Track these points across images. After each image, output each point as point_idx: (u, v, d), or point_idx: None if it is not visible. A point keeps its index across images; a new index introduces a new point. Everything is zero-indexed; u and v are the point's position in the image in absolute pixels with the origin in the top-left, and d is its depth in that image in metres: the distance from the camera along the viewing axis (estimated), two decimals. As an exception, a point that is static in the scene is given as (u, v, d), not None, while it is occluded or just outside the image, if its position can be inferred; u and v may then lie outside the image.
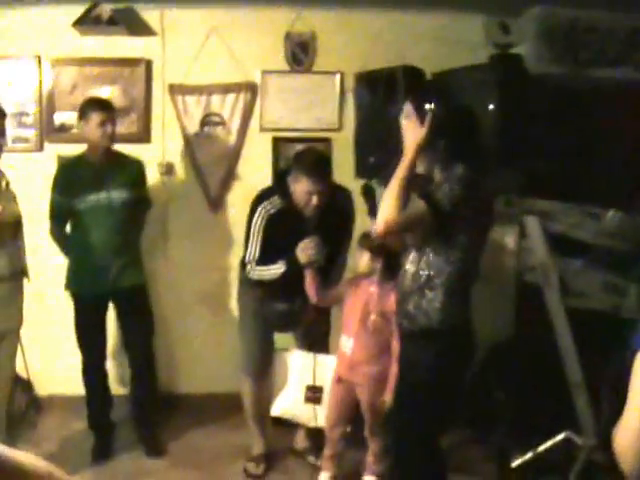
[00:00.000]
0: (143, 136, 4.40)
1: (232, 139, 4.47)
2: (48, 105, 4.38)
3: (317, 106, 4.48)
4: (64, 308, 4.37)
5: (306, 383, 3.47)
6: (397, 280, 2.79)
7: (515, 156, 3.62)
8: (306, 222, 3.33)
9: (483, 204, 2.66)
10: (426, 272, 2.59)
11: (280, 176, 3.53)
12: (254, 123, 4.49)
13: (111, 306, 3.96)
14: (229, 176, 4.48)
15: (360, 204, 3.78)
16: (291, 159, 3.64)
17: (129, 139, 4.29)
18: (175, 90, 4.40)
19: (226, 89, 4.42)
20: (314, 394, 3.46)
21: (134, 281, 3.89)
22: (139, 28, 4.33)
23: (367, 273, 3.26)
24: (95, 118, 3.68)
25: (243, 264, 3.48)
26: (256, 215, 3.38)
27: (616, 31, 4.20)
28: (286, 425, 3.78)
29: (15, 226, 3.48)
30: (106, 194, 3.73)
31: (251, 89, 4.44)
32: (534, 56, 4.17)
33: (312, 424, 3.56)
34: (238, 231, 3.91)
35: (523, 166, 3.71)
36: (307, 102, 4.47)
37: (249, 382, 3.66)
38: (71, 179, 3.80)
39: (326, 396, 3.43)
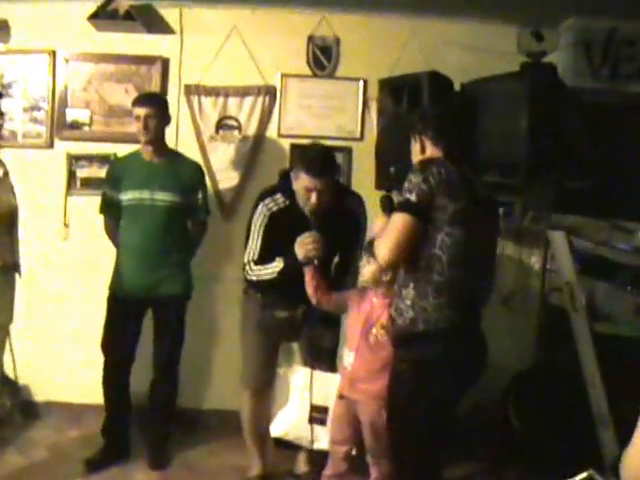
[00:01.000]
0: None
1: (248, 144, 4.30)
2: (60, 101, 4.26)
3: (338, 113, 4.31)
4: (66, 313, 4.26)
5: (310, 402, 3.25)
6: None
7: (546, 171, 3.43)
8: (310, 222, 3.12)
9: (457, 193, 2.43)
10: (402, 270, 2.51)
11: (284, 173, 3.34)
12: (272, 128, 4.32)
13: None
14: (244, 183, 4.31)
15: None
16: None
17: (142, 139, 4.14)
18: (191, 90, 4.26)
19: (244, 92, 4.27)
20: (318, 414, 3.23)
21: (171, 290, 3.71)
22: (157, 25, 4.22)
23: (373, 284, 3.04)
24: (134, 113, 3.63)
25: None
26: (257, 213, 3.20)
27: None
28: (288, 447, 3.55)
29: (9, 217, 3.34)
30: (149, 194, 3.61)
31: (270, 93, 4.28)
32: (570, 69, 4.00)
33: (315, 446, 3.32)
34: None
35: (554, 182, 3.51)
36: (328, 109, 4.31)
37: (248, 395, 3.45)
38: (120, 173, 3.71)
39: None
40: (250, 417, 3.49)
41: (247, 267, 3.22)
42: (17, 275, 3.46)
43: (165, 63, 4.26)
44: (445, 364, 2.40)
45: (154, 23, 4.21)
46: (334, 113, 4.31)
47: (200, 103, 4.27)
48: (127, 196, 3.63)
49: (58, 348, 4.32)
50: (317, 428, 3.25)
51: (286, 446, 3.53)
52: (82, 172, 4.26)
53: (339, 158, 4.22)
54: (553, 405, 3.62)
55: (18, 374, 4.16)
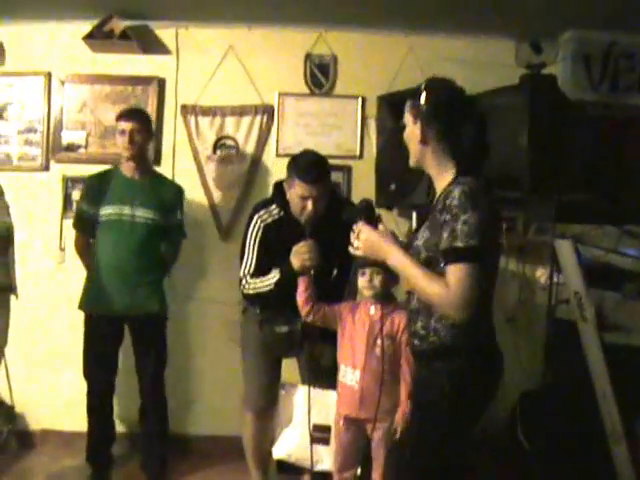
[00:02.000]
0: (153, 157, 4.18)
1: (246, 164, 4.25)
2: (56, 123, 4.22)
3: (337, 132, 4.26)
4: (61, 339, 4.16)
5: (313, 422, 3.15)
6: (405, 300, 2.47)
7: (548, 183, 3.38)
8: (305, 232, 3.05)
9: (497, 221, 2.32)
10: None
11: (278, 184, 3.27)
12: (270, 148, 4.27)
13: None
14: (242, 203, 4.24)
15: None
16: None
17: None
18: (188, 111, 4.22)
19: (241, 111, 4.23)
20: (320, 434, 3.13)
21: (148, 309, 3.64)
22: (152, 45, 4.20)
23: (367, 295, 2.97)
24: (118, 127, 3.60)
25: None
26: (251, 226, 3.16)
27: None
28: (291, 471, 3.44)
29: (5, 237, 3.28)
30: (130, 210, 3.56)
31: (268, 112, 4.24)
32: (569, 82, 3.97)
33: (319, 467, 3.21)
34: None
35: (557, 194, 3.45)
36: (327, 127, 4.26)
37: (250, 417, 3.35)
38: (99, 188, 3.64)
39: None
40: (253, 440, 3.38)
41: (243, 281, 3.14)
42: (13, 296, 3.38)
43: (161, 83, 4.22)
44: (483, 378, 2.30)
45: (150, 43, 4.18)
46: (333, 131, 4.26)
47: (197, 123, 4.22)
48: (107, 211, 3.56)
49: (53, 375, 4.20)
50: (320, 449, 3.15)
51: (288, 469, 3.43)
52: (78, 194, 4.18)
53: (338, 177, 4.19)
54: (563, 424, 3.51)
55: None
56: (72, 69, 4.21)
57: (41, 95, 4.20)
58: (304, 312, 3.01)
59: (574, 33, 3.97)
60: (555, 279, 3.59)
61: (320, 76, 4.25)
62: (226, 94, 4.23)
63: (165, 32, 4.20)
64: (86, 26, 4.05)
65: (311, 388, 3.15)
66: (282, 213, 3.13)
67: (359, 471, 3.06)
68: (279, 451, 3.28)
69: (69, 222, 4.16)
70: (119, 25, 3.98)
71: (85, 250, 3.73)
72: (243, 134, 4.24)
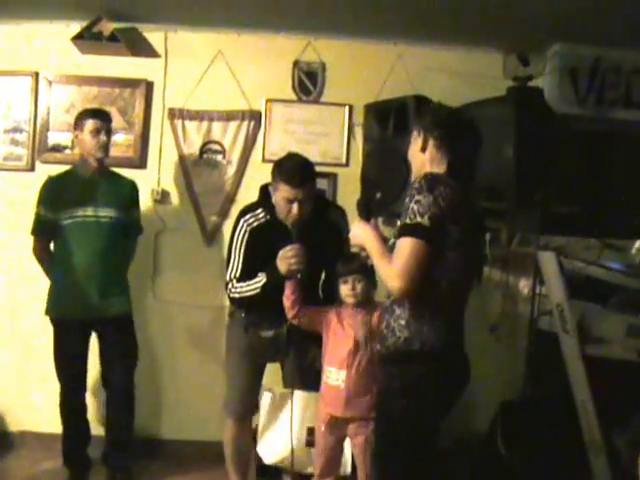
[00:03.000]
0: (139, 161, 4.18)
1: (232, 169, 4.25)
2: (42, 124, 4.20)
3: (324, 139, 4.27)
4: (40, 341, 4.12)
5: (306, 425, 3.15)
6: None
7: (533, 195, 3.40)
8: (292, 236, 3.04)
9: (462, 217, 2.30)
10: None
11: (264, 188, 3.26)
12: (256, 154, 4.27)
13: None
14: (227, 208, 4.24)
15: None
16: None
17: (124, 163, 4.10)
18: (175, 114, 4.21)
19: (229, 116, 4.23)
20: (309, 437, 3.14)
21: (119, 309, 3.62)
22: (141, 48, 4.18)
23: (350, 303, 2.99)
24: (89, 126, 3.55)
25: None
26: (238, 229, 3.14)
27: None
28: (271, 475, 3.43)
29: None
30: (93, 210, 3.53)
31: (255, 118, 4.24)
32: (555, 95, 3.99)
33: (309, 470, 3.21)
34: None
35: (541, 206, 3.47)
36: (313, 134, 4.27)
37: (232, 424, 3.33)
38: (58, 192, 3.59)
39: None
40: (234, 445, 3.36)
41: (229, 285, 3.13)
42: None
43: (149, 86, 4.21)
44: (438, 383, 2.31)
45: (138, 46, 4.16)
46: (319, 138, 4.27)
47: (184, 127, 4.22)
48: (69, 214, 3.52)
49: (32, 378, 4.16)
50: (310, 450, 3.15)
51: (266, 472, 3.43)
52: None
53: (324, 184, 4.20)
54: (543, 435, 3.52)
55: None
56: (60, 70, 4.18)
57: (28, 95, 4.17)
58: (291, 315, 3.02)
59: (561, 47, 3.99)
60: (538, 290, 3.60)
61: (308, 83, 4.25)
62: (214, 99, 4.22)
63: (154, 35, 4.19)
64: (75, 27, 4.03)
65: (304, 392, 3.18)
66: (268, 217, 3.13)
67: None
68: (270, 457, 3.28)
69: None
70: (108, 27, 3.96)
71: (45, 255, 3.69)
72: (230, 139, 4.24)
